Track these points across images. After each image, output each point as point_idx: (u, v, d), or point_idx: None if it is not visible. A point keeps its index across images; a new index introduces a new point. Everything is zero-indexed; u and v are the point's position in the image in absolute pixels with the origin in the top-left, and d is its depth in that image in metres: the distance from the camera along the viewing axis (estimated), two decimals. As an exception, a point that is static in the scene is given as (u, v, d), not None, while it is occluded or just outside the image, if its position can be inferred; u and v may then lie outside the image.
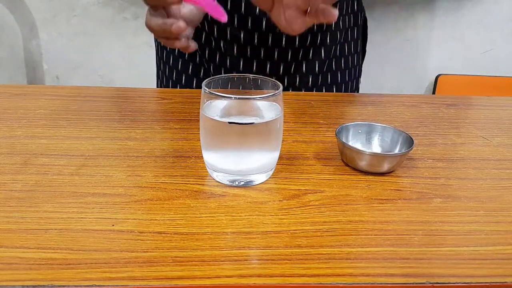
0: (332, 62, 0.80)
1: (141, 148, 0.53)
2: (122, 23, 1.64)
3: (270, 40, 0.73)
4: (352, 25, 0.81)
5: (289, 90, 0.79)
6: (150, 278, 0.33)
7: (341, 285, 0.34)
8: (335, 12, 0.47)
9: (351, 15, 0.80)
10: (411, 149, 0.50)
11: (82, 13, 1.64)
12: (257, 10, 0.70)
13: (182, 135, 0.57)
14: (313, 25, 0.74)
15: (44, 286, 0.32)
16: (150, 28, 0.54)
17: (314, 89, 0.80)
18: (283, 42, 0.74)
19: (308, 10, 0.49)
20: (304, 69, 0.79)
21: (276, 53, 0.75)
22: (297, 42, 0.74)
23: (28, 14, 1.64)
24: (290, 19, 0.51)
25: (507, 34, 1.74)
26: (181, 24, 0.47)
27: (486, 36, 1.73)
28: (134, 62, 1.68)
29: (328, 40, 0.78)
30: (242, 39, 0.73)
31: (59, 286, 0.32)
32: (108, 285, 0.32)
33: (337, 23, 0.78)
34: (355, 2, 0.81)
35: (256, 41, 0.73)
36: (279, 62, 0.76)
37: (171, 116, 0.64)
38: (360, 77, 0.88)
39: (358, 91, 0.88)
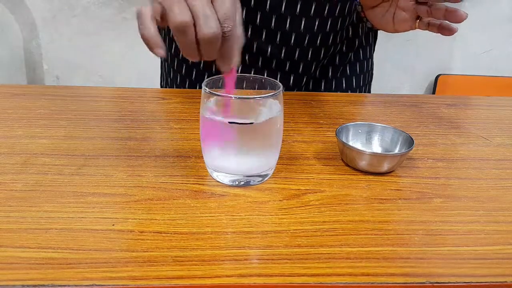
0: (346, 67, 0.80)
1: (141, 148, 0.53)
2: (122, 23, 1.65)
3: (296, 54, 0.73)
4: (367, 30, 0.81)
5: None
6: (150, 278, 0.33)
7: (341, 284, 0.34)
8: (455, 27, 0.49)
9: (368, 21, 0.80)
10: (411, 149, 0.50)
11: (82, 13, 1.64)
12: (287, 26, 0.70)
13: (182, 135, 0.57)
14: (338, 36, 0.74)
15: (44, 286, 0.32)
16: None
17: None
18: (309, 56, 0.74)
19: (426, 20, 0.50)
20: (318, 75, 0.79)
21: (301, 66, 0.75)
22: (322, 54, 0.75)
23: (28, 14, 1.64)
24: (400, 21, 0.51)
25: (507, 34, 1.74)
26: (163, 53, 0.42)
27: (486, 36, 1.73)
28: (134, 62, 1.68)
29: (344, 48, 0.78)
30: (269, 52, 0.73)
31: (59, 286, 0.32)
32: (108, 285, 0.32)
33: (356, 31, 0.78)
34: None
35: (283, 55, 0.73)
36: (303, 74, 0.76)
37: (171, 116, 0.64)
38: (372, 80, 0.88)
39: None
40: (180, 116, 0.63)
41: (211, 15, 0.39)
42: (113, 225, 0.39)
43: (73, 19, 1.65)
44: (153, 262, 0.34)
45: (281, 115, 0.45)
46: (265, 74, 0.75)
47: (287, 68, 0.75)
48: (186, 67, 0.79)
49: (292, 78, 0.76)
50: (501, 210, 0.44)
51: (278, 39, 0.71)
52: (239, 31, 0.41)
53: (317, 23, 0.70)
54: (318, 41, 0.72)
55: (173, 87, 0.82)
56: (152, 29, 0.40)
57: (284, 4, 0.68)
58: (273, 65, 0.75)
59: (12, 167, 0.47)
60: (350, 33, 0.77)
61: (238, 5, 0.42)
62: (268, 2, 0.68)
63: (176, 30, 0.39)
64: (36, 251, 0.35)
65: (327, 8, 0.69)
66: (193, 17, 0.39)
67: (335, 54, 0.78)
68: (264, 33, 0.71)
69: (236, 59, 0.43)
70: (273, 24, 0.70)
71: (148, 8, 0.40)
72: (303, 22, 0.70)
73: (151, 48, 0.41)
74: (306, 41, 0.72)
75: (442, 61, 1.76)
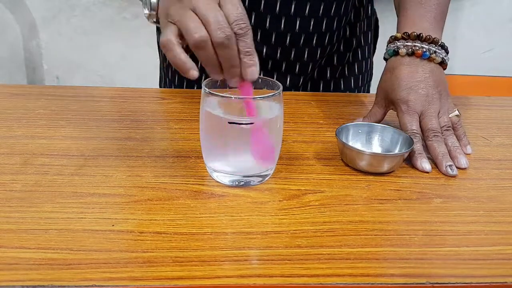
0: (344, 68, 0.80)
1: (141, 148, 0.53)
2: (122, 23, 1.64)
3: (292, 54, 0.73)
4: (365, 29, 0.80)
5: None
6: (150, 278, 0.33)
7: (341, 285, 0.34)
8: (466, 162, 0.52)
9: (365, 19, 0.80)
10: (411, 149, 0.50)
11: (82, 13, 1.64)
12: (282, 26, 0.70)
13: (182, 135, 0.57)
14: (334, 36, 0.74)
15: (44, 286, 0.32)
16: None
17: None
18: (305, 56, 0.74)
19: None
20: (316, 75, 0.79)
21: (297, 66, 0.75)
22: (318, 55, 0.74)
23: (28, 14, 1.64)
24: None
25: (507, 34, 1.74)
26: (196, 74, 0.42)
27: (486, 36, 1.72)
28: (134, 62, 1.68)
29: (342, 48, 0.78)
30: (264, 53, 0.73)
31: (59, 286, 0.32)
32: (108, 285, 0.32)
33: (353, 30, 0.78)
34: (368, 7, 0.80)
35: (278, 55, 0.73)
36: (300, 75, 0.76)
37: (171, 116, 0.64)
38: (371, 80, 0.88)
39: None
40: (180, 116, 0.63)
41: (222, 20, 0.40)
42: (113, 225, 0.39)
43: (73, 18, 1.65)
44: (153, 263, 0.34)
45: (281, 115, 0.45)
46: (261, 75, 0.75)
47: (283, 68, 0.75)
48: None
49: (288, 79, 0.76)
50: (501, 210, 0.44)
51: (273, 40, 0.71)
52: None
53: (312, 23, 0.70)
54: (314, 41, 0.72)
55: (171, 87, 0.82)
56: (182, 56, 0.41)
57: (278, 4, 0.68)
58: (269, 66, 0.74)
59: (12, 168, 0.47)
60: (348, 33, 0.77)
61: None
62: (263, 3, 0.68)
63: (195, 47, 0.40)
64: (35, 251, 0.35)
65: (321, 8, 0.69)
66: (205, 27, 0.40)
67: (333, 54, 0.78)
68: (259, 33, 0.71)
69: (257, 59, 0.42)
70: (267, 25, 0.70)
71: (169, 34, 0.41)
72: (298, 22, 0.70)
73: (184, 73, 0.41)
74: (302, 41, 0.72)
75: (442, 61, 1.76)
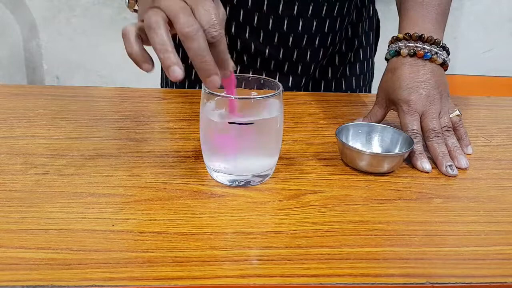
0: (346, 68, 0.80)
1: (141, 148, 0.53)
2: (122, 23, 1.64)
3: (295, 55, 0.73)
4: (367, 30, 0.80)
5: None
6: (150, 278, 0.33)
7: (341, 285, 0.34)
8: (466, 163, 0.52)
9: (367, 20, 0.80)
10: (411, 149, 0.50)
11: (82, 13, 1.64)
12: (285, 27, 0.70)
13: (182, 135, 0.57)
14: (336, 36, 0.74)
15: (44, 286, 0.32)
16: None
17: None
18: (308, 57, 0.74)
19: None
20: (318, 75, 0.79)
21: (300, 67, 0.75)
22: (320, 55, 0.74)
23: (28, 14, 1.64)
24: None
25: (507, 34, 1.74)
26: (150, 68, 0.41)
27: (486, 36, 1.73)
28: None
29: (343, 48, 0.78)
30: (267, 53, 0.73)
31: (59, 286, 0.32)
32: (108, 285, 0.32)
33: (355, 31, 0.78)
34: (370, 7, 0.81)
35: (281, 56, 0.73)
36: (302, 75, 0.76)
37: (171, 116, 0.64)
38: (372, 81, 0.88)
39: None
40: (180, 116, 0.63)
41: (197, 28, 0.38)
42: (113, 225, 0.39)
43: (73, 19, 1.65)
44: (153, 263, 0.34)
45: (281, 115, 0.45)
46: (264, 75, 0.75)
47: (285, 69, 0.75)
48: (185, 67, 0.79)
49: (291, 79, 0.76)
50: (501, 210, 0.44)
51: (276, 40, 0.71)
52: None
53: (315, 24, 0.70)
54: (317, 42, 0.72)
55: (173, 87, 0.82)
56: (136, 47, 0.40)
57: (281, 5, 0.68)
58: (272, 66, 0.75)
59: (12, 168, 0.47)
60: (350, 33, 0.77)
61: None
62: (266, 3, 0.68)
63: (158, 52, 0.39)
64: (35, 251, 0.35)
65: (325, 8, 0.69)
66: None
67: (335, 54, 0.78)
68: (262, 34, 0.71)
69: (231, 63, 0.42)
70: (270, 25, 0.70)
71: (132, 27, 0.40)
72: (300, 23, 0.70)
73: (138, 65, 0.40)
74: (304, 42, 0.72)
75: (442, 61, 1.76)
